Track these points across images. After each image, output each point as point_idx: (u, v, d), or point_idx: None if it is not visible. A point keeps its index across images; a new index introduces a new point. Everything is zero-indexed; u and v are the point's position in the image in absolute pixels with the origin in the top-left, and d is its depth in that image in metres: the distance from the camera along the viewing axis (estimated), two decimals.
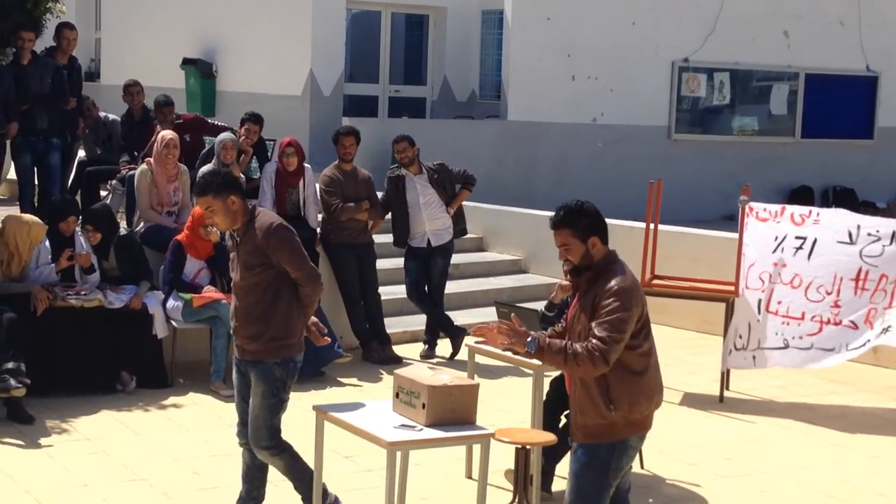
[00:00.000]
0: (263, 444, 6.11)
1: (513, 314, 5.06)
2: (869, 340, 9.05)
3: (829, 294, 9.18)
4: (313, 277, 6.06)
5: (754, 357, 9.31)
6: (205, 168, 10.34)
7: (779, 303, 9.30)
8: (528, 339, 4.88)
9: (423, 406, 5.49)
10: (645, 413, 5.02)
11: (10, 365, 7.99)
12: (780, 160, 18.88)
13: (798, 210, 9.56)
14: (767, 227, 9.47)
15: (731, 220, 15.68)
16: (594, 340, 4.79)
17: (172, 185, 10.06)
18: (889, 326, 8.97)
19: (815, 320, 9.18)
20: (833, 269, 9.20)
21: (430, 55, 18.55)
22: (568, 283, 7.25)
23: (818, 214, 9.45)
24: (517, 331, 4.92)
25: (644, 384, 4.97)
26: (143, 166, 10.15)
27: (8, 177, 11.21)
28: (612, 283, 4.87)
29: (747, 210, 9.56)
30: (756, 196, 9.74)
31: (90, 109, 11.89)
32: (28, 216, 9.14)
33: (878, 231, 9.24)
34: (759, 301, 9.35)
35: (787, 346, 9.23)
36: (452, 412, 5.54)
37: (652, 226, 9.86)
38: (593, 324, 4.83)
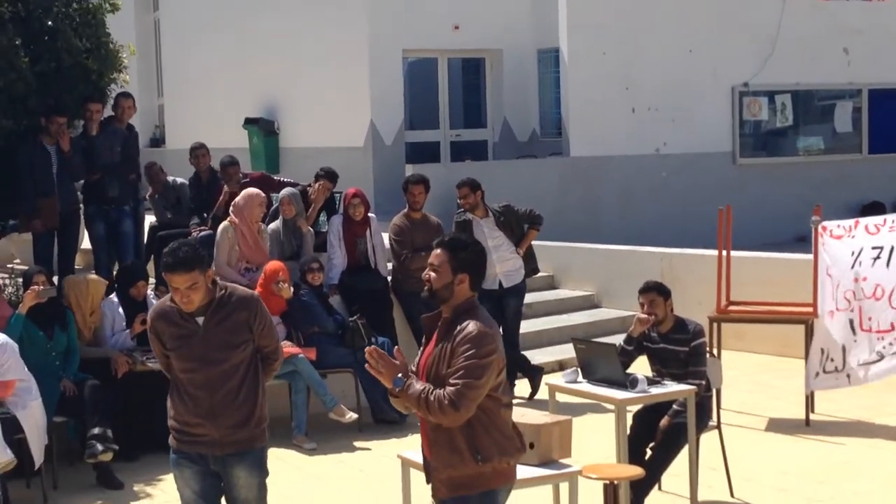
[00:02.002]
0: None
1: (373, 347, 4.81)
2: None
3: None
4: (281, 352, 5.67)
5: (848, 376, 9.16)
6: (272, 225, 10.46)
7: (870, 319, 9.12)
8: (396, 377, 4.72)
9: (532, 446, 5.50)
10: (513, 463, 4.87)
11: (97, 430, 8.10)
12: (848, 178, 18.65)
13: (872, 221, 9.45)
14: (843, 243, 9.35)
15: (802, 241, 15.46)
16: (449, 388, 4.62)
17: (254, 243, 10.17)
18: None
19: None
20: None
21: (489, 97, 18.62)
22: (646, 316, 7.24)
23: (893, 221, 9.32)
24: (390, 365, 4.75)
25: (509, 433, 4.83)
26: (226, 223, 10.25)
27: (83, 246, 11.37)
28: (470, 327, 4.69)
29: (820, 230, 9.45)
30: (827, 214, 9.64)
31: (158, 174, 12.07)
32: (85, 275, 9.32)
33: None
34: (851, 321, 9.18)
35: (881, 358, 9.06)
36: (556, 449, 5.54)
37: (724, 252, 9.77)
38: (451, 370, 4.66)
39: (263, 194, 10.38)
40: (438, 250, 4.87)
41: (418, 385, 4.71)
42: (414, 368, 4.90)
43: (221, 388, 5.30)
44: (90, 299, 9.06)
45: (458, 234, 5.07)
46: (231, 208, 10.34)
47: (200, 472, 5.38)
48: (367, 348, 4.80)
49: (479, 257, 4.90)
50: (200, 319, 5.30)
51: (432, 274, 4.82)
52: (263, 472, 5.49)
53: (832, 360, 9.25)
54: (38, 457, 7.76)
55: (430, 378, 4.76)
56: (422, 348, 4.92)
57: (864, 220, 9.49)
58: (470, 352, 4.63)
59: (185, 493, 5.43)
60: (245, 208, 10.15)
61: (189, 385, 5.33)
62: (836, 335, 9.23)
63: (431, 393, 4.64)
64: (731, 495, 7.56)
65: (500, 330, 10.33)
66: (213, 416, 5.30)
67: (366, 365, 4.80)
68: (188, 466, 5.38)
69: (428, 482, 4.90)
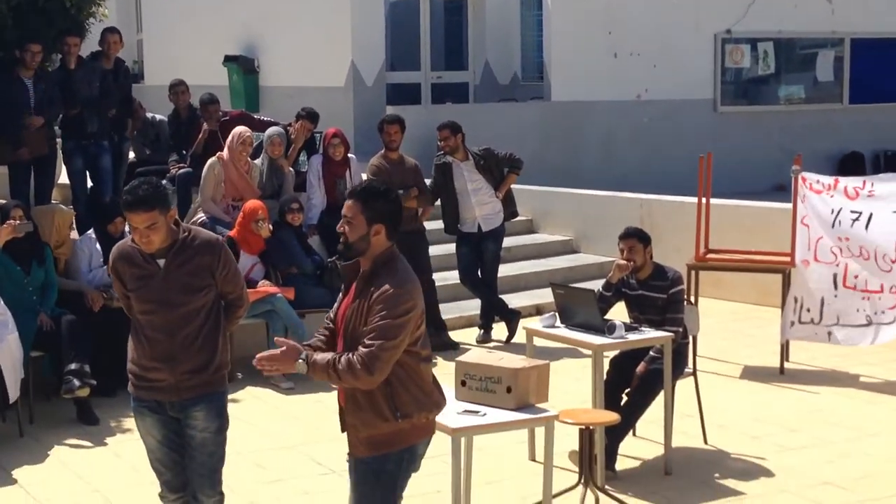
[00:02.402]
0: (219, 488, 5.37)
1: (259, 357, 4.58)
2: None
3: (894, 262, 9.00)
4: (247, 298, 5.47)
5: (830, 333, 9.20)
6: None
7: (855, 277, 9.15)
8: (298, 361, 4.52)
9: (509, 390, 5.48)
10: (432, 417, 4.76)
11: (73, 366, 8.09)
12: (828, 127, 18.68)
13: (852, 182, 9.41)
14: (821, 199, 9.35)
15: (782, 190, 15.51)
16: (362, 349, 4.44)
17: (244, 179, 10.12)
18: None
19: (894, 291, 9.02)
20: (893, 238, 9.03)
21: (471, 40, 18.51)
22: (625, 262, 7.25)
23: (872, 186, 9.30)
24: (281, 358, 4.54)
25: (427, 387, 4.71)
26: (213, 160, 10.22)
27: (60, 181, 11.30)
28: (386, 286, 4.49)
29: (801, 180, 9.46)
30: (806, 164, 9.64)
31: (137, 111, 11.98)
32: (51, 205, 9.31)
33: None
34: (835, 275, 9.21)
35: (870, 323, 9.10)
36: (533, 393, 5.54)
37: (704, 200, 9.78)
38: (365, 329, 4.49)
39: (251, 131, 10.31)
40: (351, 201, 4.61)
41: (320, 357, 4.53)
42: (332, 316, 4.76)
43: (180, 331, 5.11)
44: (57, 228, 9.05)
45: (371, 182, 4.77)
46: (228, 142, 10.29)
47: (160, 419, 5.21)
48: (255, 360, 4.58)
49: (394, 205, 4.65)
50: (161, 261, 5.11)
51: (346, 227, 4.59)
52: (223, 420, 5.30)
53: (808, 310, 9.30)
54: (13, 391, 7.76)
55: (347, 334, 4.60)
56: (340, 297, 4.73)
57: (843, 181, 9.46)
58: (384, 312, 4.45)
59: (148, 441, 5.30)
60: (232, 147, 10.09)
61: (147, 327, 5.15)
62: (815, 287, 9.27)
63: (339, 361, 4.46)
64: (705, 442, 7.63)
65: (479, 273, 10.47)
66: (171, 360, 5.12)
67: (262, 371, 4.62)
68: (148, 414, 5.23)
69: (343, 431, 4.77)
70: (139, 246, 5.11)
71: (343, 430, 4.77)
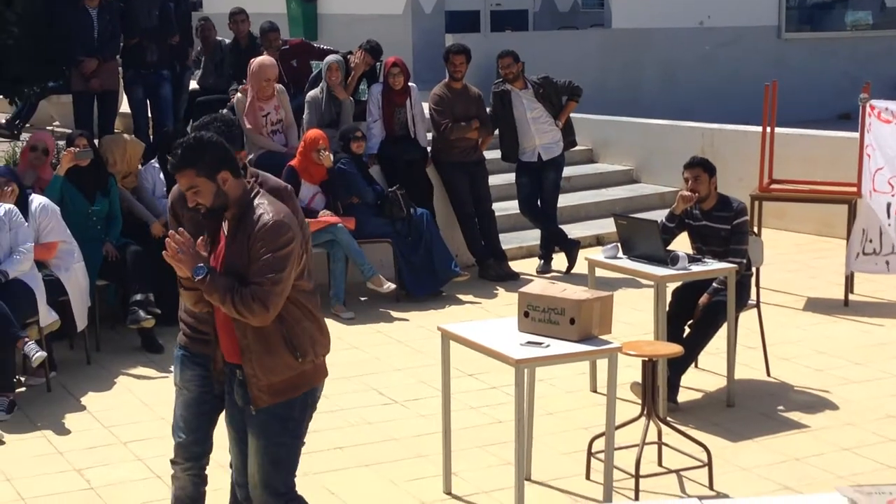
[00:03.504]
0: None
1: (180, 230, 4.38)
2: None
3: None
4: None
5: (888, 262, 9.09)
6: (312, 92, 10.38)
7: None
8: (200, 265, 4.30)
9: (572, 321, 5.45)
10: (325, 354, 4.57)
11: (139, 297, 8.17)
12: None
13: None
14: (891, 129, 9.17)
15: (847, 118, 15.32)
16: (253, 287, 4.26)
17: (272, 103, 10.05)
18: None
19: None
20: None
21: None
22: (689, 193, 7.17)
23: None
24: (189, 253, 4.31)
25: (320, 323, 4.53)
26: (238, 94, 10.21)
27: (121, 110, 11.36)
28: (264, 218, 4.30)
29: (868, 109, 9.28)
30: (873, 92, 9.45)
31: (210, 30, 11.97)
32: (123, 135, 9.35)
33: None
34: (889, 205, 9.08)
35: None
36: (597, 325, 5.51)
37: (769, 129, 9.64)
38: (253, 268, 4.28)
39: (276, 68, 10.20)
40: (179, 174, 4.36)
41: (223, 278, 4.32)
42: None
43: None
44: (127, 159, 9.11)
45: (181, 142, 4.39)
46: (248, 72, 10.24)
47: (201, 376, 4.84)
48: (170, 232, 4.37)
49: (218, 145, 4.37)
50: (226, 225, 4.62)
51: (198, 199, 4.36)
52: None
53: (871, 241, 9.18)
54: (81, 319, 7.87)
55: (228, 275, 4.37)
56: (209, 251, 4.44)
57: None
58: (265, 247, 4.27)
59: (182, 396, 4.94)
60: (256, 75, 10.00)
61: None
62: (875, 217, 9.14)
63: (237, 290, 4.27)
64: (768, 374, 7.58)
65: (539, 202, 10.42)
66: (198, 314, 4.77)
67: (164, 252, 4.35)
68: (191, 368, 4.89)
69: (217, 367, 4.61)
70: None
71: (218, 367, 4.63)
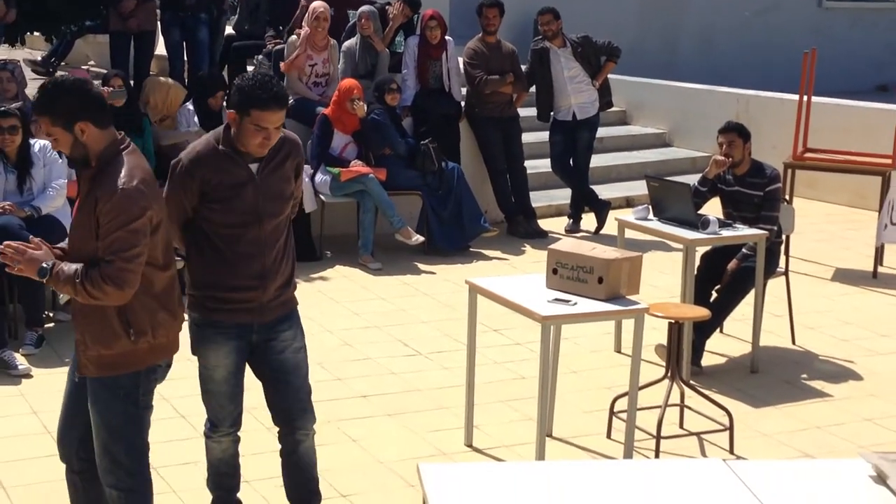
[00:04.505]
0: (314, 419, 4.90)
1: (6, 244, 4.07)
2: None
3: None
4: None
5: None
6: (347, 42, 10.36)
7: None
8: (41, 266, 4.02)
9: (600, 280, 5.45)
10: (172, 336, 4.27)
11: None
12: None
13: None
14: None
15: (884, 90, 15.19)
16: (104, 265, 3.93)
17: (322, 56, 10.09)
18: None
19: None
20: None
21: None
22: (723, 158, 7.14)
23: None
24: (28, 257, 4.02)
25: (167, 302, 4.19)
26: (293, 37, 10.20)
27: (158, 52, 11.36)
28: (113, 187, 3.94)
29: None
30: None
31: None
32: (167, 79, 9.36)
33: None
34: None
35: None
36: (625, 285, 5.51)
37: (805, 98, 9.57)
38: (100, 243, 3.97)
39: (327, 7, 10.20)
40: (38, 118, 4.18)
41: (68, 268, 4.01)
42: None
43: (274, 244, 4.54)
44: (168, 104, 9.12)
45: (40, 90, 4.11)
46: (304, 19, 10.24)
47: (237, 346, 4.60)
48: (3, 245, 4.06)
49: (78, 93, 4.02)
50: (254, 166, 4.49)
51: (57, 147, 4.13)
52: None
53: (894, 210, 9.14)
54: None
55: (74, 245, 4.12)
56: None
57: None
58: (115, 221, 3.93)
59: (217, 373, 4.64)
60: (308, 23, 10.03)
61: (236, 244, 4.47)
62: None
63: (86, 276, 3.96)
64: (793, 342, 7.57)
65: (571, 162, 10.40)
66: (265, 277, 4.53)
67: (6, 268, 4.14)
68: (226, 342, 4.57)
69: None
70: (228, 147, 4.47)
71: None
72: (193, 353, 4.66)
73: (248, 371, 4.73)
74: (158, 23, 10.80)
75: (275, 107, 4.36)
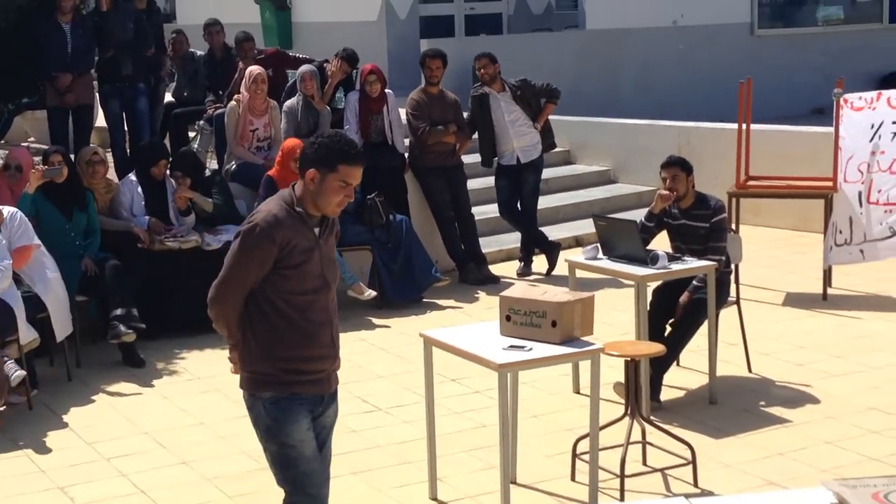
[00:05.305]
0: None
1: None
2: None
3: None
4: None
5: (862, 251, 9.17)
6: (288, 102, 10.39)
7: (879, 192, 9.13)
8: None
9: (554, 324, 5.45)
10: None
11: (119, 311, 8.15)
12: (868, 48, 18.39)
13: (895, 94, 9.34)
14: (863, 115, 9.29)
15: (820, 113, 15.39)
16: None
17: (262, 120, 10.11)
18: None
19: None
20: None
21: None
22: (667, 192, 7.21)
23: None
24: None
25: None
26: (232, 103, 10.21)
27: (98, 125, 11.33)
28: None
29: (842, 102, 9.35)
30: (846, 87, 9.53)
31: (182, 43, 11.95)
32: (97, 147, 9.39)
33: None
34: (860, 193, 9.18)
35: (893, 235, 9.06)
36: (578, 327, 5.53)
37: (744, 126, 9.68)
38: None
39: (264, 70, 10.23)
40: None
41: None
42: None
43: (335, 311, 4.48)
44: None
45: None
46: (242, 84, 10.26)
47: (311, 419, 4.45)
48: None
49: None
50: (317, 230, 4.40)
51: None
52: None
53: (841, 231, 9.27)
54: (60, 330, 7.80)
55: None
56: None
57: (886, 93, 9.40)
58: None
59: (308, 449, 4.42)
60: (249, 87, 10.05)
61: (309, 311, 4.36)
62: (846, 207, 9.23)
63: None
64: (749, 371, 7.62)
65: (518, 205, 10.44)
66: (335, 345, 4.48)
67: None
68: (307, 414, 4.41)
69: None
70: (301, 210, 4.35)
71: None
72: (268, 435, 4.41)
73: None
74: (97, 94, 10.78)
75: (361, 162, 4.39)
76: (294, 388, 4.38)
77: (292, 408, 4.37)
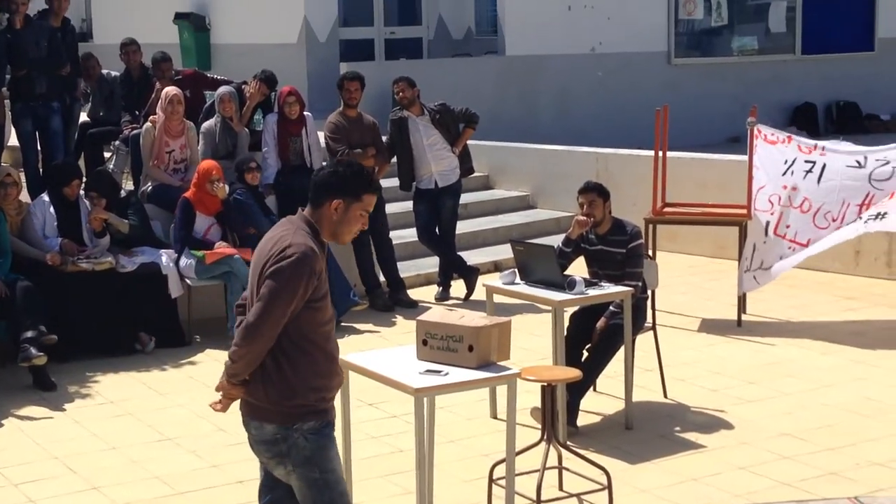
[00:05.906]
0: None
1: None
2: (860, 226, 8.98)
3: (834, 220, 9.20)
4: None
5: (755, 277, 9.36)
6: (206, 123, 10.31)
7: (787, 227, 9.30)
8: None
9: (470, 348, 5.44)
10: None
11: (30, 333, 7.99)
12: (781, 78, 18.72)
13: (804, 142, 9.65)
14: (777, 149, 9.49)
15: (736, 142, 15.60)
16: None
17: (178, 142, 10.01)
18: (884, 213, 8.91)
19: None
20: (843, 196, 9.21)
21: None
22: (584, 218, 7.26)
23: (823, 148, 9.47)
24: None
25: None
26: (148, 124, 10.10)
27: (10, 143, 11.13)
28: None
29: (756, 132, 9.51)
30: (760, 115, 9.69)
31: (94, 67, 11.80)
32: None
33: (886, 157, 9.25)
34: (767, 223, 9.35)
35: (780, 258, 9.27)
36: (495, 351, 5.52)
37: (661, 153, 9.79)
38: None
39: (180, 91, 10.15)
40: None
41: None
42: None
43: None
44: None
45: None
46: (158, 105, 10.17)
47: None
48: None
49: None
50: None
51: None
52: None
53: (746, 258, 9.43)
54: None
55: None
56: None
57: (796, 139, 9.65)
58: None
59: (338, 473, 4.48)
60: (163, 108, 9.97)
61: (329, 340, 4.44)
62: (752, 235, 9.39)
63: None
64: (665, 396, 7.67)
65: (437, 230, 10.44)
66: (341, 373, 4.59)
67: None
68: (334, 438, 4.50)
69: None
70: (343, 235, 4.43)
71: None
72: (308, 464, 4.37)
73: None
74: (9, 113, 10.58)
75: (379, 190, 4.51)
76: (328, 415, 4.46)
77: (329, 434, 4.44)
